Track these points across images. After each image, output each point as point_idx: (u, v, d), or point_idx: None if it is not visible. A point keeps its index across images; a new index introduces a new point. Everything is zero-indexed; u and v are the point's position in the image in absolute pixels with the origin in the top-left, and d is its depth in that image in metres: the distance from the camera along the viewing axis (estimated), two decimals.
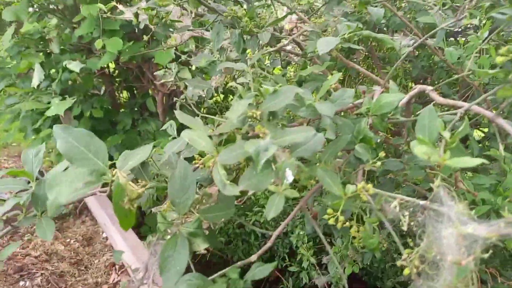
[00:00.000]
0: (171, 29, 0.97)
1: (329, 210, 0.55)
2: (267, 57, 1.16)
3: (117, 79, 3.00)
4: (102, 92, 2.98)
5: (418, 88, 0.80)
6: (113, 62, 2.91)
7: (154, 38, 2.44)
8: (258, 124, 0.53)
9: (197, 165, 0.62)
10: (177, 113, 0.59)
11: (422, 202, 0.58)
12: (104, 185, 0.67)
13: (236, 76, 1.03)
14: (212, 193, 0.62)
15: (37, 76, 2.24)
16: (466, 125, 0.57)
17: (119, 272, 2.33)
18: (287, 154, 0.53)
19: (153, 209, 0.59)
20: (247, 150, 0.48)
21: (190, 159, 0.72)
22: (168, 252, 0.55)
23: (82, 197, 0.64)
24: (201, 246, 0.55)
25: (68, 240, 2.63)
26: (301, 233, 2.26)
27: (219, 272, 0.62)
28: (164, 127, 0.87)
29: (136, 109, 2.88)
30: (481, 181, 1.04)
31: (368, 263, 2.07)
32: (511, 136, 0.62)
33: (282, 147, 0.54)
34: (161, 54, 2.13)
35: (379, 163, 0.61)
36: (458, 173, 0.89)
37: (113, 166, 0.62)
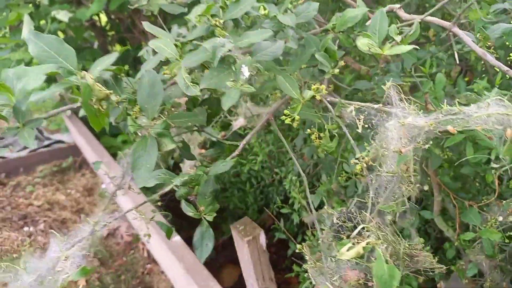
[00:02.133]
0: None
1: (286, 111, 0.59)
2: None
3: (109, 33, 2.98)
4: (95, 47, 2.97)
5: (388, 7, 0.82)
6: (105, 14, 2.88)
7: None
8: (218, 28, 0.56)
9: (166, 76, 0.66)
10: (145, 24, 0.61)
11: (376, 106, 0.62)
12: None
13: None
14: (181, 102, 0.66)
15: (27, 28, 2.22)
16: (417, 29, 0.59)
17: (120, 219, 2.43)
18: (247, 57, 0.57)
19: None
20: (205, 47, 0.51)
21: None
22: (139, 152, 0.60)
23: (60, 110, 0.67)
24: (169, 146, 0.60)
25: (68, 191, 2.72)
26: (293, 178, 2.32)
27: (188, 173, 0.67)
28: (140, 53, 0.89)
29: (129, 61, 2.87)
30: None
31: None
32: (467, 45, 0.64)
33: (242, 51, 0.58)
34: None
35: (337, 70, 0.65)
36: (427, 95, 0.92)
37: None
